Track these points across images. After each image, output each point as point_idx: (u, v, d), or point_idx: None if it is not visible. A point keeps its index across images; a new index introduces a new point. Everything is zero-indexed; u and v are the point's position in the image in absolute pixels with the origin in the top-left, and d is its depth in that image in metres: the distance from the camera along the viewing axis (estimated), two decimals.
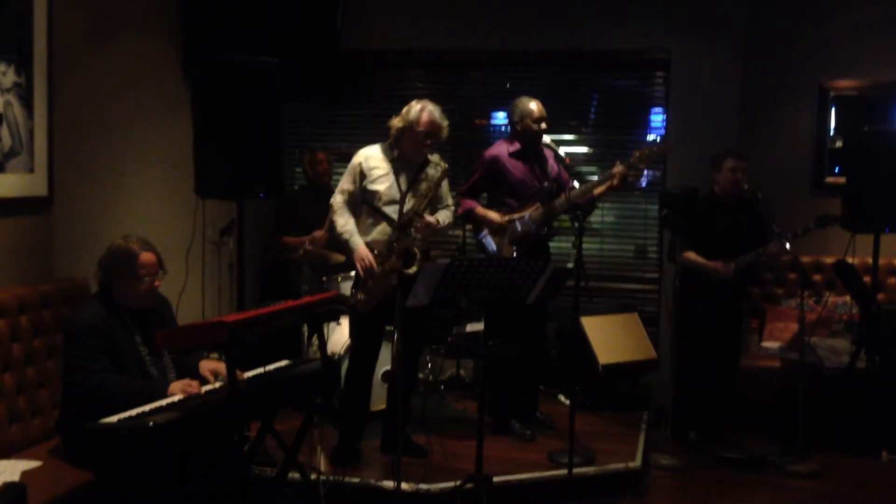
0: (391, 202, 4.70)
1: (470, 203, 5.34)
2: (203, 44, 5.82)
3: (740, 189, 5.43)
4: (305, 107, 7.07)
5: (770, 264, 5.81)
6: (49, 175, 4.53)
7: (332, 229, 4.84)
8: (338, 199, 4.78)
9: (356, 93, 7.02)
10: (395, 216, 4.68)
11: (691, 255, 5.47)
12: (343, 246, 4.81)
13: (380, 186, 4.70)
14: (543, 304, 5.31)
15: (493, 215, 5.25)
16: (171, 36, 5.75)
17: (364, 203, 4.76)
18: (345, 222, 4.73)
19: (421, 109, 4.67)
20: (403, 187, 4.71)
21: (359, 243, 4.69)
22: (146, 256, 3.82)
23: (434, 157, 4.81)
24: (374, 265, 4.61)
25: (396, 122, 4.72)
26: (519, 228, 5.19)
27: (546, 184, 5.25)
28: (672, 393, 5.51)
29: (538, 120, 5.23)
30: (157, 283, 3.89)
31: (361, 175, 4.73)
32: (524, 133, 5.25)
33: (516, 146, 5.30)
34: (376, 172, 4.72)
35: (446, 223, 4.88)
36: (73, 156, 4.74)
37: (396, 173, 4.72)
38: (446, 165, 4.81)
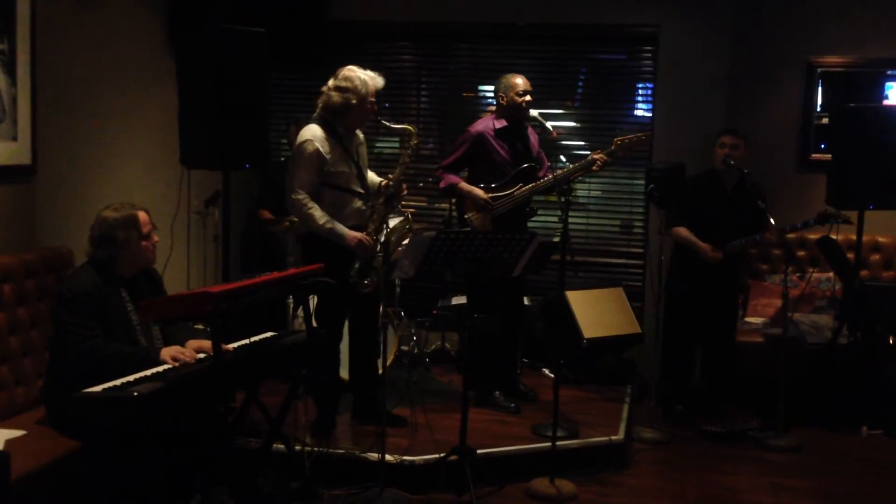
0: (354, 178, 4.67)
1: (453, 178, 5.33)
2: (188, 13, 5.75)
3: (726, 164, 5.46)
4: (290, 78, 7.01)
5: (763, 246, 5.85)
6: (32, 143, 4.49)
7: (308, 224, 4.61)
8: (302, 194, 4.55)
9: (342, 64, 6.94)
10: (360, 190, 4.66)
11: (682, 232, 5.50)
12: (326, 237, 4.59)
13: (342, 167, 4.62)
14: (522, 277, 5.33)
15: (478, 192, 5.24)
16: (157, 4, 5.69)
17: (324, 186, 4.62)
18: (321, 214, 4.55)
19: (366, 80, 4.60)
20: (356, 160, 4.68)
21: (345, 229, 4.58)
22: (143, 215, 3.90)
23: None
24: (372, 241, 4.59)
25: (346, 99, 4.56)
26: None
27: (528, 164, 5.25)
28: (659, 366, 5.57)
29: (522, 93, 5.22)
30: (156, 239, 3.94)
31: (320, 160, 4.56)
32: (509, 107, 5.24)
33: (502, 123, 5.30)
34: (334, 154, 4.60)
35: None
36: (56, 124, 4.70)
37: (347, 149, 4.66)
38: (416, 129, 4.76)
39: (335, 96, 4.59)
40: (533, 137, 5.41)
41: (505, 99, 5.26)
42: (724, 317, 5.71)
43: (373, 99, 4.62)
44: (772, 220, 5.19)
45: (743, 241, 5.44)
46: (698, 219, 5.53)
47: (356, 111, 4.61)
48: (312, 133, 4.59)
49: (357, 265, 4.62)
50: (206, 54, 4.59)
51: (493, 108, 5.49)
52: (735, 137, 5.52)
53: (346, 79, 4.60)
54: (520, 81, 5.24)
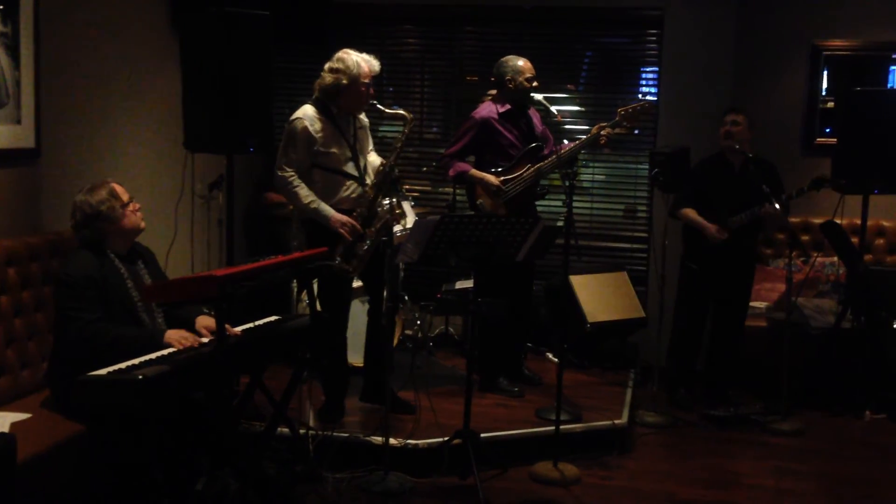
0: (348, 160, 4.64)
1: (462, 165, 5.31)
2: None
3: (727, 140, 5.47)
4: (294, 61, 6.98)
5: (776, 226, 5.79)
6: (36, 126, 4.48)
7: (293, 202, 4.65)
8: (289, 172, 4.55)
9: (345, 47, 6.93)
10: (354, 173, 4.64)
11: (690, 213, 5.50)
12: (310, 217, 4.62)
13: (333, 148, 4.60)
14: (531, 262, 5.33)
15: (490, 178, 5.22)
16: None
17: (315, 168, 4.61)
18: (307, 193, 4.55)
19: (359, 62, 4.55)
20: (351, 143, 4.65)
21: (330, 210, 4.56)
22: (117, 186, 3.93)
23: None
24: (358, 225, 4.57)
25: (337, 80, 4.54)
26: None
27: (534, 144, 5.25)
28: (668, 347, 5.60)
29: (531, 78, 5.21)
30: (138, 206, 3.97)
31: (309, 139, 4.55)
32: (516, 91, 5.22)
33: (507, 107, 5.28)
34: (324, 134, 4.58)
35: None
36: (60, 107, 4.69)
37: (342, 131, 4.63)
38: (411, 115, 4.74)
39: (327, 77, 4.59)
40: (535, 117, 5.40)
41: (513, 83, 5.22)
42: (735, 301, 5.69)
43: (366, 81, 4.57)
44: (777, 205, 5.17)
45: (744, 215, 5.42)
46: (706, 200, 5.52)
47: (348, 93, 4.57)
48: (304, 112, 4.60)
49: (341, 249, 4.60)
50: (210, 37, 4.58)
51: (493, 91, 5.46)
52: (735, 114, 5.52)
53: (339, 60, 4.59)
54: (527, 65, 5.23)
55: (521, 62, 5.23)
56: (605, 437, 4.86)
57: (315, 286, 4.71)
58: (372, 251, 4.60)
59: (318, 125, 4.57)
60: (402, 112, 4.69)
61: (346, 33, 6.79)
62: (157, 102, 5.51)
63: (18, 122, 4.37)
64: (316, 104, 4.63)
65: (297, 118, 4.58)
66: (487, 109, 5.31)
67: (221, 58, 4.56)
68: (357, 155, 4.67)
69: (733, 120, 5.49)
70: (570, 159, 5.22)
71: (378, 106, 4.69)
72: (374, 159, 4.82)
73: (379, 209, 4.60)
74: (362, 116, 4.79)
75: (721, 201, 5.48)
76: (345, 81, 4.54)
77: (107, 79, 5.10)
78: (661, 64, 6.51)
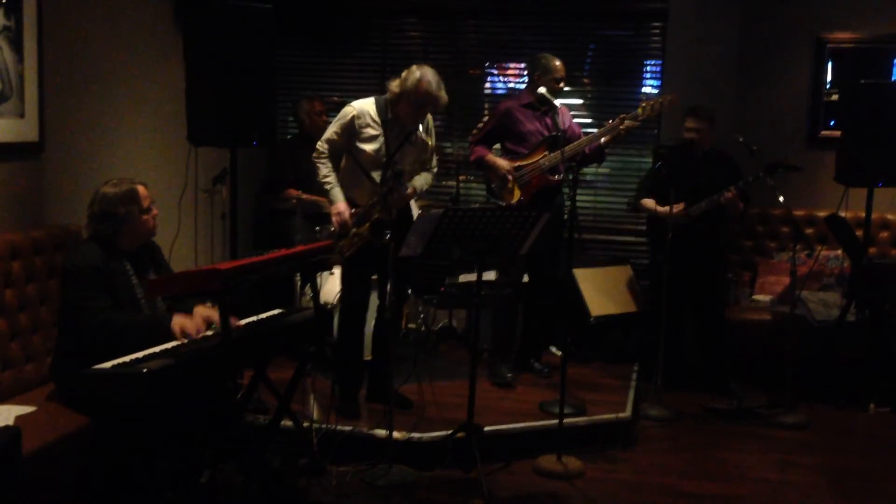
0: (376, 165, 4.63)
1: (481, 150, 5.46)
2: None
3: (690, 143, 5.55)
4: (296, 55, 6.98)
5: (736, 213, 5.77)
6: (40, 120, 4.48)
7: (315, 174, 4.75)
8: (325, 146, 4.70)
9: (348, 41, 6.93)
10: (377, 179, 4.63)
11: (648, 203, 5.55)
12: (323, 193, 4.78)
13: (368, 147, 4.61)
14: (556, 253, 5.47)
15: (502, 163, 5.35)
16: None
17: (348, 156, 4.69)
18: (328, 172, 4.67)
19: (419, 79, 4.48)
20: (391, 151, 4.62)
21: (339, 197, 4.63)
22: (142, 189, 3.92)
23: (428, 124, 4.75)
24: (349, 222, 4.59)
25: (394, 87, 4.58)
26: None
27: (554, 133, 5.28)
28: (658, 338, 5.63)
29: (559, 80, 5.33)
30: (155, 212, 3.96)
31: (351, 130, 4.62)
32: (539, 87, 5.28)
33: (529, 98, 5.42)
34: (368, 131, 4.61)
35: (423, 188, 4.87)
36: (64, 101, 4.69)
37: (387, 136, 4.62)
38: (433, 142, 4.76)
39: (394, 80, 4.61)
40: (566, 115, 5.43)
41: (542, 80, 5.31)
42: (707, 290, 5.73)
43: (413, 101, 4.52)
44: (781, 197, 5.18)
45: (704, 202, 5.46)
46: (668, 189, 5.54)
47: (399, 103, 4.58)
48: (361, 102, 4.69)
49: (332, 230, 4.67)
50: (213, 31, 4.57)
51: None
52: (694, 118, 5.57)
53: (409, 70, 4.58)
54: (557, 67, 5.32)
55: (554, 63, 5.34)
56: (609, 431, 4.85)
57: (321, 279, 4.72)
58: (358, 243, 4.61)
59: (365, 120, 4.63)
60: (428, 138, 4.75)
61: (349, 27, 6.78)
62: (160, 96, 5.51)
63: (22, 115, 4.37)
64: (378, 100, 4.68)
65: (351, 105, 4.69)
66: (513, 100, 5.48)
67: (224, 51, 4.55)
68: (389, 165, 4.65)
69: (696, 128, 5.58)
70: (599, 151, 5.23)
71: (419, 133, 4.70)
72: (418, 181, 4.80)
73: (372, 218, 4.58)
74: (422, 134, 4.74)
75: (682, 191, 5.49)
76: (397, 91, 4.57)
77: (110, 72, 5.10)
78: (664, 57, 6.49)
